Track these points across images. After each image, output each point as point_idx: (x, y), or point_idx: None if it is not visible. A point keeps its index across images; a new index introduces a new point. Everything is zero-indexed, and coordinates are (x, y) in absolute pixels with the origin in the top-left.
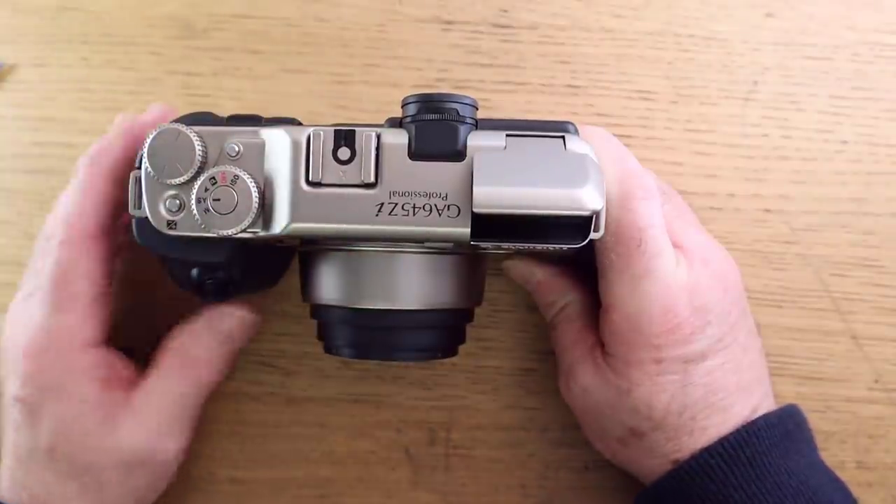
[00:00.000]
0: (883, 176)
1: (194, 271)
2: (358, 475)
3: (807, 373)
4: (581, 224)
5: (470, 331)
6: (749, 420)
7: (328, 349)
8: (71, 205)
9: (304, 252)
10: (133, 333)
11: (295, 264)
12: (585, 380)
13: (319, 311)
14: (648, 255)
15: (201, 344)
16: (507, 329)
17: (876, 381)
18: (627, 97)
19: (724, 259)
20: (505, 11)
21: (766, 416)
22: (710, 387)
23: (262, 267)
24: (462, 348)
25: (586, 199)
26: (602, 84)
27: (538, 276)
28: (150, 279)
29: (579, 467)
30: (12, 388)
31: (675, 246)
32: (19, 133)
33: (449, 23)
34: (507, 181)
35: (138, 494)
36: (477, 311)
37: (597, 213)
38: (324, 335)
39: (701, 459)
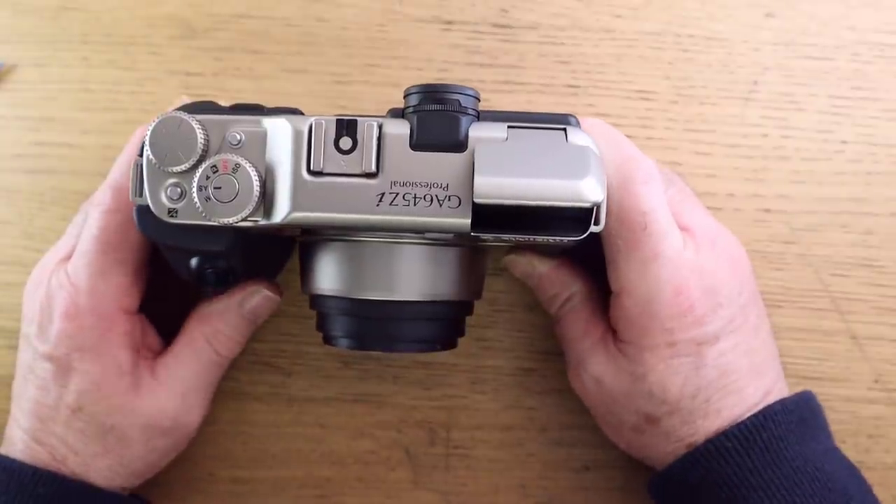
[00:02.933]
0: (883, 176)
1: (193, 260)
2: (358, 475)
3: (807, 373)
4: (581, 216)
5: (470, 331)
6: (762, 403)
7: (327, 340)
8: (121, 174)
9: (304, 242)
10: (158, 301)
11: (295, 260)
12: (598, 369)
13: (319, 302)
14: (655, 237)
15: (227, 321)
16: (507, 329)
17: (876, 381)
18: (627, 97)
19: (731, 241)
20: (505, 11)
21: (782, 402)
22: (723, 368)
23: (262, 258)
24: (462, 348)
25: (587, 190)
26: (602, 84)
27: (540, 268)
28: None
29: (579, 467)
30: (43, 347)
31: (682, 229)
32: (19, 133)
33: (449, 23)
34: (509, 172)
35: (158, 456)
36: (477, 310)
37: (597, 206)
38: (322, 326)
39: (717, 442)
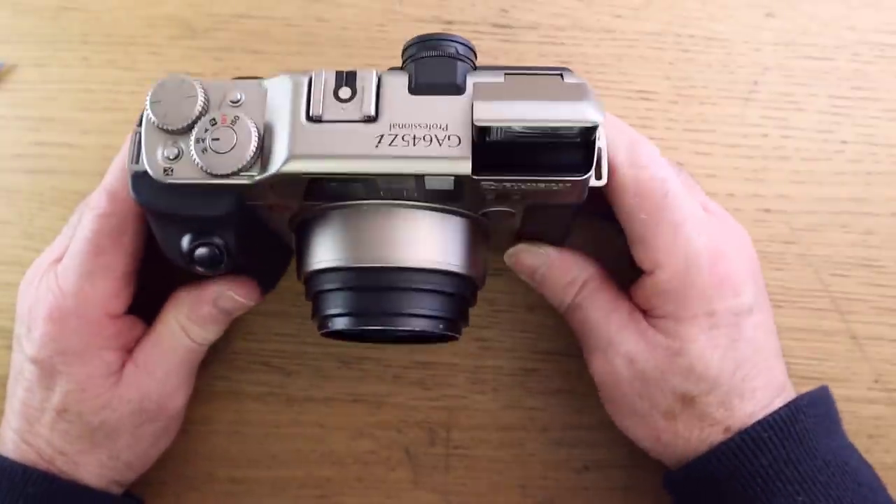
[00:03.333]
0: (883, 176)
1: (185, 239)
2: (358, 475)
3: (807, 373)
4: (584, 144)
5: (470, 331)
6: (786, 390)
7: (322, 326)
8: (116, 179)
9: (301, 221)
10: (152, 301)
11: (292, 267)
12: (630, 348)
13: (315, 280)
14: (678, 203)
15: (202, 312)
16: (507, 329)
17: (876, 381)
18: (627, 97)
19: (742, 230)
20: (505, 11)
21: (809, 394)
22: (756, 344)
23: (258, 257)
24: (462, 348)
25: (587, 110)
26: (602, 84)
27: (552, 255)
28: None
29: (579, 467)
30: (29, 349)
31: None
32: (19, 133)
33: (449, 23)
34: (508, 98)
35: (148, 444)
36: (477, 310)
37: (598, 155)
38: (318, 310)
39: (753, 433)
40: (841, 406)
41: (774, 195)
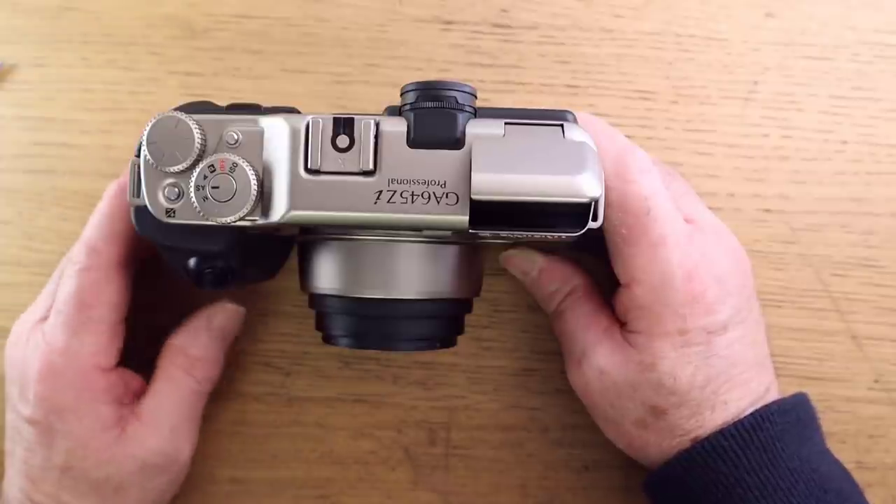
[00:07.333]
0: (883, 176)
1: (192, 261)
2: (358, 475)
3: (807, 373)
4: (580, 212)
5: (470, 331)
6: (765, 398)
7: (326, 339)
8: (96, 233)
9: (302, 241)
10: (136, 336)
11: (294, 259)
12: (602, 360)
13: (317, 301)
14: (660, 221)
15: (199, 343)
16: (507, 329)
17: (876, 381)
18: (627, 97)
19: (732, 237)
20: (505, 11)
21: (779, 402)
22: (731, 359)
23: (261, 257)
24: (462, 348)
25: (585, 186)
26: (602, 84)
27: (540, 263)
28: (151, 279)
29: (579, 467)
30: (24, 410)
31: (687, 220)
32: (19, 133)
33: (449, 23)
34: (506, 168)
35: (157, 495)
36: (478, 310)
37: (595, 201)
38: (321, 325)
39: (714, 441)
40: (841, 406)
41: (774, 195)
